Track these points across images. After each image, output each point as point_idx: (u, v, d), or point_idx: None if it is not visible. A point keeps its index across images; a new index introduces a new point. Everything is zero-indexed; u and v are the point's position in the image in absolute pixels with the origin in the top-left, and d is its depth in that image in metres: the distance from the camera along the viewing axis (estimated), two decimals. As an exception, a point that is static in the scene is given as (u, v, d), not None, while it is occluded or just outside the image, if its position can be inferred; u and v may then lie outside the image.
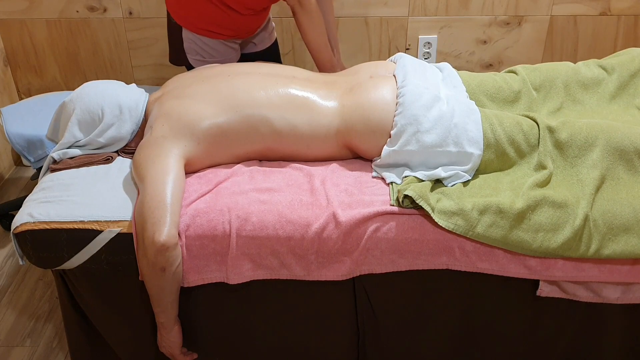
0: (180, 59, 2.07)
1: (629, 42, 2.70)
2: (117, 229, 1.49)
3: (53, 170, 1.65)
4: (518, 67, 1.84)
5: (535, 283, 1.55)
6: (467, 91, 1.72)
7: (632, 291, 1.53)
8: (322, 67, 2.01)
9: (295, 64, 2.75)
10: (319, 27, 1.93)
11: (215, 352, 1.66)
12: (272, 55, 2.21)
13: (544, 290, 1.53)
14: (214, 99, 1.60)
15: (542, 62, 2.75)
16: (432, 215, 1.44)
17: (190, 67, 2.05)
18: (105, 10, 2.62)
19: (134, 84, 1.78)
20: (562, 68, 1.82)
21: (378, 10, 2.63)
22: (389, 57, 2.75)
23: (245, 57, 2.13)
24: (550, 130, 1.58)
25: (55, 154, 1.66)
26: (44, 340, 1.99)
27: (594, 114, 1.74)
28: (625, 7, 2.62)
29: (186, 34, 1.97)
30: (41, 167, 1.94)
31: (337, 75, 1.76)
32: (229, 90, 1.61)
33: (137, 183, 1.53)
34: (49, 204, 1.54)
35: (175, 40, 2.03)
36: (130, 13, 2.62)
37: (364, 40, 2.70)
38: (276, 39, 2.23)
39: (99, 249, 1.50)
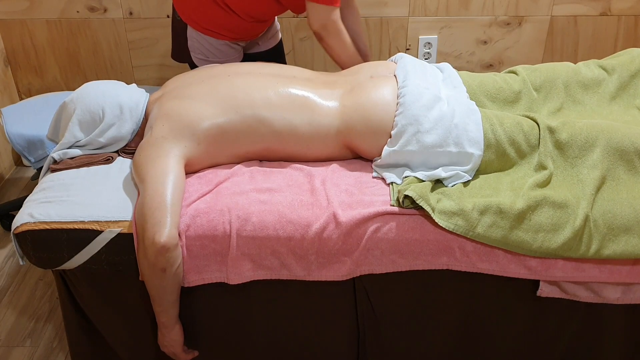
0: (182, 56, 2.07)
1: (629, 42, 2.70)
2: (117, 229, 1.49)
3: (53, 171, 1.65)
4: (518, 68, 1.84)
5: (535, 283, 1.54)
6: (467, 91, 1.72)
7: (632, 291, 1.53)
8: None
9: (295, 64, 2.75)
10: (348, 45, 1.88)
11: (215, 352, 1.66)
12: (276, 55, 2.20)
13: (544, 291, 1.53)
14: (214, 99, 1.60)
15: (542, 62, 2.75)
16: (432, 215, 1.43)
17: (193, 65, 2.05)
18: (105, 10, 2.62)
19: (134, 84, 1.78)
20: (563, 68, 1.82)
21: (378, 10, 2.62)
22: (389, 57, 2.75)
23: (249, 57, 2.13)
24: (551, 130, 1.58)
25: (56, 154, 1.66)
26: (44, 340, 1.99)
27: (594, 115, 1.74)
28: (625, 7, 2.62)
29: (191, 32, 1.97)
30: (41, 167, 1.94)
31: (337, 76, 1.76)
32: (229, 91, 1.61)
33: (137, 183, 1.53)
34: (49, 204, 1.54)
35: (179, 37, 2.03)
36: (131, 13, 2.62)
37: (364, 41, 2.70)
38: (281, 39, 2.23)
39: (99, 249, 1.49)
